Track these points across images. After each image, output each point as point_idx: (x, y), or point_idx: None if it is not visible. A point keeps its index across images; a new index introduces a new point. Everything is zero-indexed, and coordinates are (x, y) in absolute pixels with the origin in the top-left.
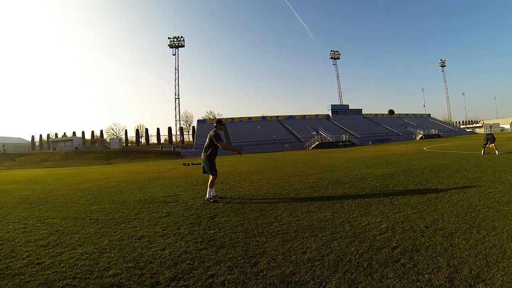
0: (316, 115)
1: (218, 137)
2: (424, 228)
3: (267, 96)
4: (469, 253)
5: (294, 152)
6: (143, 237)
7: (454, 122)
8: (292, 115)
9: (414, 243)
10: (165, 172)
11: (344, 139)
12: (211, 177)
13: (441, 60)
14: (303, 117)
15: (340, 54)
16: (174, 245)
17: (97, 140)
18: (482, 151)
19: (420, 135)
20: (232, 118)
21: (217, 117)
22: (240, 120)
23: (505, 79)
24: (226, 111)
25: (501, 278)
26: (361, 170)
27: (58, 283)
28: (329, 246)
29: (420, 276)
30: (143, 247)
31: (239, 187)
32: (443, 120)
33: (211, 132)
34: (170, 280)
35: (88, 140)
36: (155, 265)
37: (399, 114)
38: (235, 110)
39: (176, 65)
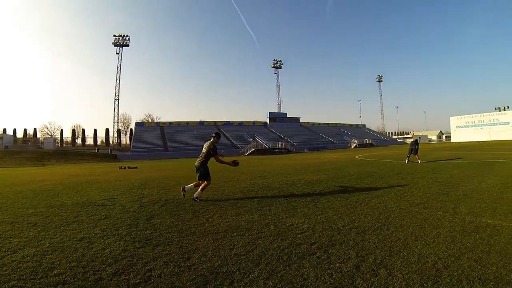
0: (254, 122)
1: (216, 150)
2: (341, 227)
3: (207, 101)
4: (376, 246)
5: (230, 157)
6: (83, 238)
7: (387, 133)
8: (229, 121)
9: (331, 239)
10: (101, 175)
11: (280, 146)
12: (205, 182)
13: (379, 75)
14: (241, 123)
15: (283, 63)
16: (113, 245)
17: (30, 139)
18: (407, 160)
19: (355, 144)
20: (170, 122)
21: (155, 120)
22: (178, 124)
23: (434, 95)
24: (165, 115)
25: (399, 264)
26: (293, 177)
27: (4, 286)
28: (254, 243)
29: (331, 265)
30: (84, 247)
31: (174, 191)
32: (377, 131)
33: (209, 144)
34: (112, 276)
35: (19, 138)
36: (97, 263)
37: (336, 123)
38: (174, 114)
39: (119, 65)
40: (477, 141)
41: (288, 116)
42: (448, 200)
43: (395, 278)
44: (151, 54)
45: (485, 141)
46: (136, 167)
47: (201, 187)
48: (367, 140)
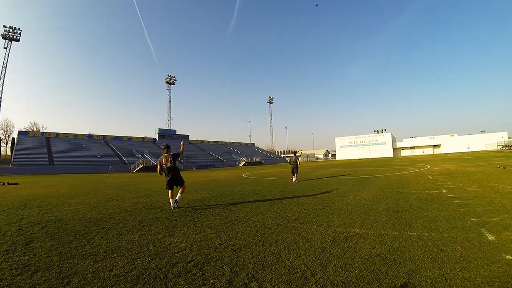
0: (143, 138)
1: (178, 155)
2: (218, 245)
3: (96, 113)
4: (250, 261)
5: (118, 174)
6: None
7: (276, 151)
8: (119, 136)
9: (207, 257)
10: None
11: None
12: (181, 188)
13: (270, 97)
14: (130, 138)
15: (176, 80)
16: None
17: None
18: (292, 178)
19: (243, 162)
20: (57, 133)
21: (41, 130)
22: (66, 136)
23: (322, 117)
24: (52, 125)
25: (270, 276)
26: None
27: None
28: (133, 263)
29: (206, 282)
30: None
31: (56, 211)
32: (266, 149)
33: (169, 156)
34: None
35: None
36: None
37: (225, 141)
38: (61, 125)
39: (5, 61)
40: (359, 159)
41: (177, 133)
42: (324, 214)
43: None
44: (43, 57)
45: (366, 159)
46: (16, 183)
47: (181, 191)
48: (255, 158)
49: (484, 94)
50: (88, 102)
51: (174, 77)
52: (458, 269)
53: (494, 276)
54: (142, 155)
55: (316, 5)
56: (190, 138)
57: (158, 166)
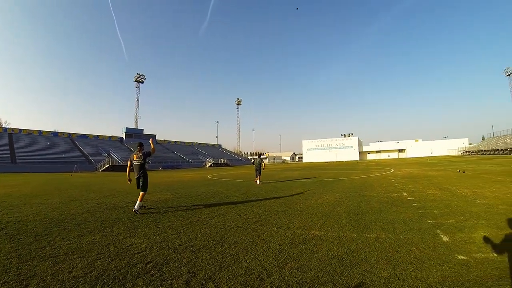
0: (110, 137)
1: (149, 154)
2: (177, 246)
3: (63, 108)
4: (208, 262)
5: (83, 174)
6: None
7: (243, 153)
8: (85, 134)
9: (166, 258)
10: None
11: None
12: (142, 193)
13: (238, 98)
14: (96, 137)
15: (145, 78)
16: None
17: None
18: (256, 180)
19: (210, 163)
20: (20, 129)
21: (3, 125)
22: (29, 133)
23: (289, 119)
24: (15, 120)
25: (227, 277)
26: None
27: None
28: (93, 265)
29: (163, 282)
30: None
31: (17, 211)
32: (232, 151)
33: (141, 155)
34: None
35: None
36: None
37: (192, 142)
38: (25, 120)
39: None
40: (325, 162)
41: (145, 132)
42: (285, 216)
43: None
44: (6, 49)
45: (332, 162)
46: None
47: (140, 198)
48: (222, 160)
49: (448, 102)
50: (53, 98)
51: (143, 75)
52: (412, 269)
53: (446, 276)
54: (109, 154)
55: (297, 9)
56: (157, 138)
57: (128, 163)
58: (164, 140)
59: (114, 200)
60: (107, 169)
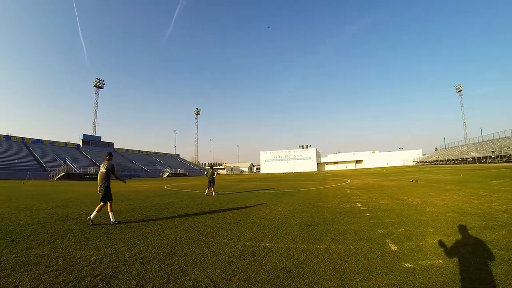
0: (66, 143)
1: (114, 169)
2: (127, 258)
3: (15, 113)
4: (157, 275)
5: (36, 182)
6: None
7: (201, 163)
8: (40, 139)
9: (115, 270)
10: None
11: (91, 172)
12: (109, 204)
13: (197, 108)
14: (52, 143)
15: (105, 84)
16: None
17: None
18: (206, 191)
19: (167, 173)
20: None
21: None
22: None
23: (246, 132)
24: None
25: None
26: (95, 206)
27: None
28: (40, 278)
29: None
30: None
31: None
32: (190, 161)
33: (107, 164)
34: None
35: None
36: None
37: (150, 151)
38: None
39: None
40: (283, 173)
41: (102, 140)
42: (237, 228)
43: None
44: None
45: (290, 173)
46: None
47: (98, 208)
48: (180, 170)
49: (403, 115)
50: (4, 101)
51: (103, 81)
52: (358, 279)
53: (391, 284)
54: (64, 162)
55: (268, 27)
56: (115, 146)
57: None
58: (121, 149)
59: (67, 210)
60: (62, 177)
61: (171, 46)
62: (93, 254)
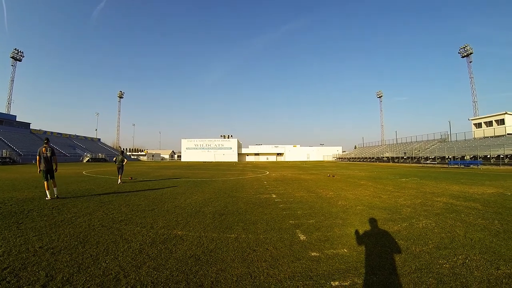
0: None
1: (55, 153)
2: (38, 248)
3: None
4: (67, 264)
5: None
6: None
7: (123, 149)
8: None
9: (24, 262)
10: None
11: (4, 155)
12: (54, 181)
13: (120, 91)
14: None
15: (24, 56)
16: None
17: None
18: (118, 178)
19: (88, 158)
20: None
21: None
22: None
23: (167, 118)
24: None
25: (84, 279)
26: (7, 194)
27: None
28: None
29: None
30: None
31: None
32: (112, 146)
33: (50, 148)
34: None
35: None
36: None
37: (69, 134)
38: None
39: None
40: (204, 162)
41: (18, 119)
42: (150, 216)
43: None
44: None
45: (210, 162)
46: None
47: (54, 184)
48: (100, 155)
49: (327, 113)
50: None
51: (22, 52)
52: (265, 267)
53: (296, 272)
54: None
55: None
56: (32, 127)
57: (37, 157)
58: (39, 130)
59: None
60: None
61: (99, 23)
62: (1, 246)
